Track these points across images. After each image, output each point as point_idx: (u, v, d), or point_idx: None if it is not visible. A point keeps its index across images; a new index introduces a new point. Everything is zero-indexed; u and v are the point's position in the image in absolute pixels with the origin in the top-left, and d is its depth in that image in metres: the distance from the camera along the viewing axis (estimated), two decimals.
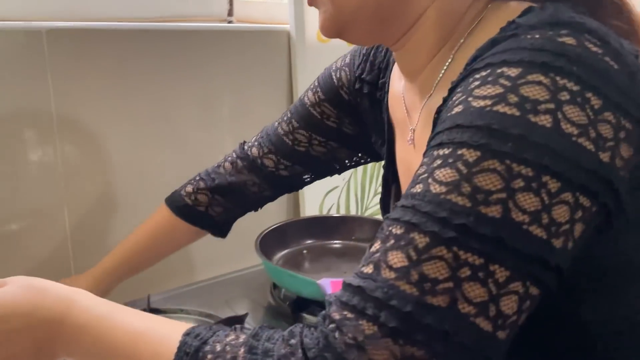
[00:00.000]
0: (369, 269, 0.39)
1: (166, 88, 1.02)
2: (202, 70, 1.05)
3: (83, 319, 0.45)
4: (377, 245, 0.40)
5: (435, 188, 0.38)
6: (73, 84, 0.92)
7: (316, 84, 0.77)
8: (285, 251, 1.03)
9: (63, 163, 0.93)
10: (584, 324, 0.45)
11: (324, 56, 0.93)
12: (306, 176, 0.81)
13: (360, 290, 0.38)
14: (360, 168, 1.31)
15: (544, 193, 0.37)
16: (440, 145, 0.40)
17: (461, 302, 0.36)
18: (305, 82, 1.17)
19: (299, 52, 1.17)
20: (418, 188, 0.39)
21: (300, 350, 0.39)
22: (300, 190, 1.24)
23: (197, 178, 0.83)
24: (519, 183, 0.37)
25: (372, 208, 1.36)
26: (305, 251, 1.04)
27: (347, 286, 0.40)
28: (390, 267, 0.38)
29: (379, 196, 1.35)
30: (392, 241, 0.39)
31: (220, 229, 0.85)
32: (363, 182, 1.33)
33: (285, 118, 0.79)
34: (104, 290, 0.83)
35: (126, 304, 0.91)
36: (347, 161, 0.80)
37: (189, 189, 0.83)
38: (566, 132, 0.37)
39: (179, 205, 0.83)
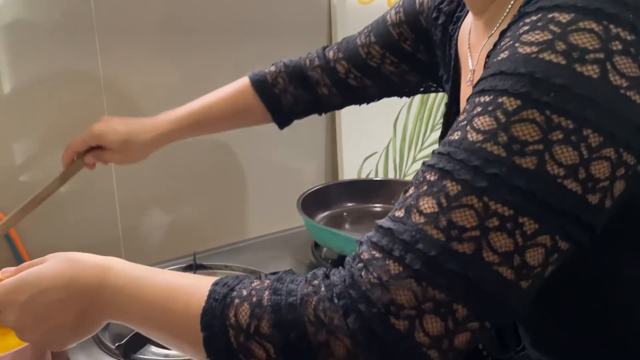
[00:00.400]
0: (400, 213, 0.40)
1: (206, 50, 1.02)
2: (240, 33, 1.05)
3: (119, 283, 0.47)
4: (411, 191, 0.41)
5: (472, 136, 0.38)
6: (119, 44, 0.93)
7: (400, 3, 0.76)
8: (326, 213, 1.04)
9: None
10: (623, 282, 0.45)
11: (365, 19, 0.92)
12: (374, 91, 0.81)
13: (390, 232, 0.39)
14: (399, 134, 1.31)
15: (583, 147, 0.36)
16: (482, 92, 0.39)
17: (486, 251, 0.36)
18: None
19: (340, 15, 1.16)
20: (456, 135, 0.39)
21: (323, 288, 0.40)
22: (338, 156, 1.24)
23: (281, 63, 0.84)
24: (557, 135, 0.36)
25: (411, 175, 1.36)
26: (345, 213, 1.05)
27: (378, 228, 0.41)
28: (421, 212, 0.38)
29: (417, 163, 1.36)
30: (425, 187, 0.39)
31: (282, 118, 0.85)
32: (402, 148, 1.32)
33: (365, 30, 0.79)
34: (167, 139, 0.83)
35: (173, 260, 0.96)
36: (416, 86, 0.80)
37: (273, 69, 0.84)
38: (613, 84, 0.36)
39: (259, 79, 0.83)
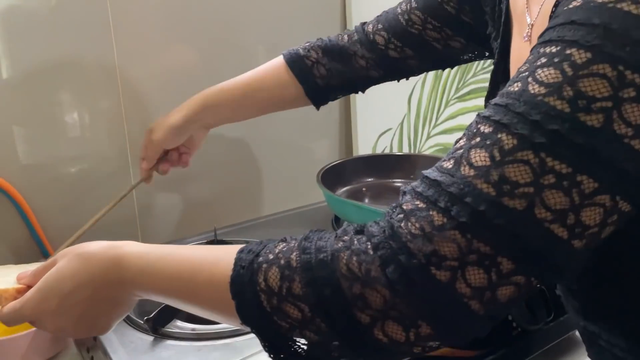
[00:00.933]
0: (449, 164, 0.38)
1: (220, 34, 1.00)
2: (253, 17, 1.03)
3: (137, 268, 0.47)
4: (462, 142, 0.39)
5: (534, 88, 0.36)
6: (134, 30, 0.91)
7: None
8: (345, 188, 1.03)
9: (125, 106, 0.94)
10: None
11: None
12: (414, 63, 0.79)
13: (437, 183, 0.38)
14: (413, 110, 1.29)
15: None
16: (549, 42, 0.37)
17: (538, 208, 0.35)
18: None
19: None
20: (516, 87, 0.37)
21: (355, 242, 0.39)
22: (353, 132, 1.23)
23: (317, 39, 0.83)
24: (629, 92, 0.34)
25: (426, 151, 1.34)
26: (364, 188, 1.04)
27: (424, 178, 0.39)
28: (471, 165, 0.37)
29: (432, 139, 1.34)
30: (478, 139, 0.37)
31: (317, 94, 0.82)
32: (416, 124, 1.31)
33: None
34: (185, 131, 0.82)
35: (190, 238, 0.94)
36: (459, 53, 0.77)
37: (307, 44, 0.82)
38: None
39: (291, 52, 0.82)
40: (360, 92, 0.84)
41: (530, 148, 0.35)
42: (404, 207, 0.39)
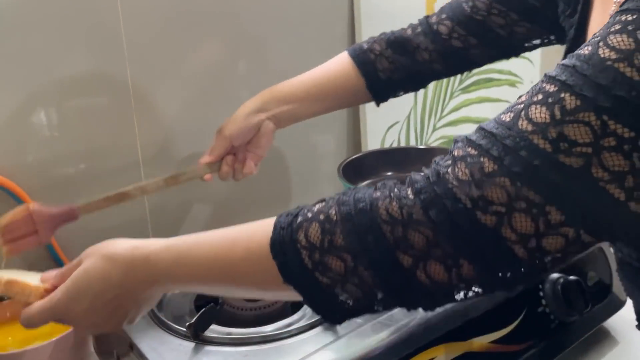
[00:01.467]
0: (507, 117, 0.38)
1: (236, 36, 0.98)
2: (263, 20, 1.01)
3: (170, 259, 0.47)
4: (523, 97, 0.39)
5: (604, 53, 0.36)
6: (145, 40, 0.88)
7: None
8: (364, 182, 1.01)
9: (136, 108, 0.90)
10: None
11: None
12: (478, 52, 0.77)
13: (491, 134, 0.38)
14: (419, 103, 1.28)
15: None
16: (626, 11, 0.37)
17: (595, 167, 0.35)
18: (369, 26, 1.12)
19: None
20: (586, 50, 0.37)
21: (396, 189, 0.39)
22: (362, 126, 1.21)
23: (380, 33, 0.83)
24: None
25: (432, 144, 1.33)
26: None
27: (480, 129, 0.39)
28: (530, 120, 0.37)
29: (437, 131, 1.33)
30: (540, 96, 0.37)
31: (377, 87, 0.81)
32: (422, 117, 1.30)
33: None
34: (271, 117, 0.81)
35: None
36: (524, 40, 0.75)
37: (370, 38, 0.82)
38: None
39: (355, 47, 0.82)
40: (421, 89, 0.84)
41: (592, 110, 0.35)
42: (455, 154, 0.39)
